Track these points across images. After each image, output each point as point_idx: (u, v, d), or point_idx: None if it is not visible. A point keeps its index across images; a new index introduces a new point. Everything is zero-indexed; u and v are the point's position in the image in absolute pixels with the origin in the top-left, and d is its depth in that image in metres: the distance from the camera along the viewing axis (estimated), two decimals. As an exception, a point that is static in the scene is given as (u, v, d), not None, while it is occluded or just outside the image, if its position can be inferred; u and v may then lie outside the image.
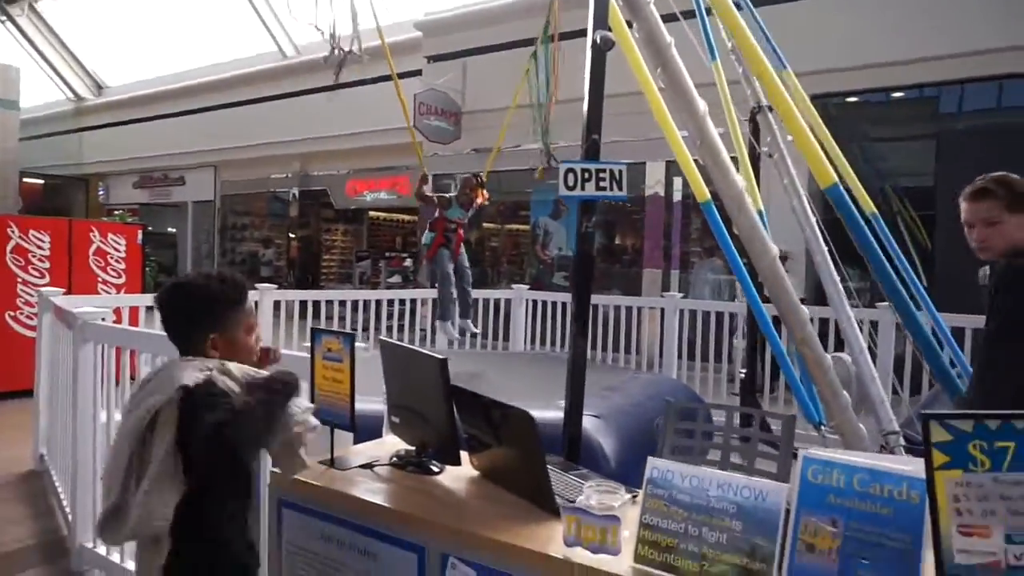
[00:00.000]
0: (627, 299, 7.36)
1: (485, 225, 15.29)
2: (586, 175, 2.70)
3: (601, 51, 2.74)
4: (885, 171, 9.89)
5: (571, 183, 2.70)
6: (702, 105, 2.75)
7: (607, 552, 1.46)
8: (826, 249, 4.36)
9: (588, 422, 3.71)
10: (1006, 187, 2.17)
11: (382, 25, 7.08)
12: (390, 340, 2.27)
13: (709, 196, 3.32)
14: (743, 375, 5.34)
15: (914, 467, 1.23)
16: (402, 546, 1.74)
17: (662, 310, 6.44)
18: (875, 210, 4.37)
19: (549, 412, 3.11)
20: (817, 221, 4.50)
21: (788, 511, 1.33)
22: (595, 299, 7.21)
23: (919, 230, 9.22)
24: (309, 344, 2.12)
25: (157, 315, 2.02)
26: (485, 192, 5.53)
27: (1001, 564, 1.13)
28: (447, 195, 5.42)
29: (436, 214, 5.33)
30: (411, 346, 2.20)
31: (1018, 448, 1.11)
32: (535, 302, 7.31)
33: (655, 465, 1.50)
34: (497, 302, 7.48)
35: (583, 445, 3.10)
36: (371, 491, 1.89)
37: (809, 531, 1.30)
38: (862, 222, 2.63)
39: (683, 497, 1.44)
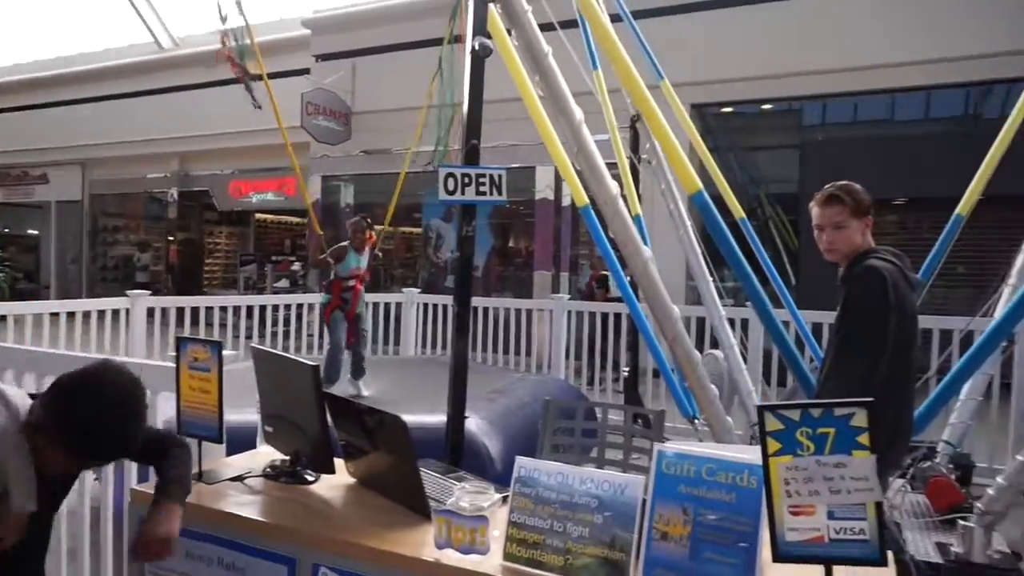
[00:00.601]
0: (516, 301, 7.46)
1: (378, 227, 15.08)
2: (466, 179, 2.73)
3: (480, 58, 2.78)
4: (759, 178, 10.54)
5: (451, 187, 2.72)
6: (578, 113, 2.84)
7: (477, 552, 1.49)
8: (700, 251, 4.62)
9: (474, 425, 3.75)
10: (851, 195, 2.38)
11: (269, 21, 6.85)
12: (262, 347, 2.21)
13: (588, 200, 3.43)
14: (627, 373, 5.55)
15: (753, 455, 1.33)
16: (272, 558, 1.70)
17: (550, 312, 6.59)
18: (743, 215, 4.66)
19: (435, 416, 3.12)
20: (692, 225, 4.77)
21: (646, 502, 1.41)
22: (485, 302, 7.30)
23: (788, 233, 9.90)
24: (174, 354, 2.02)
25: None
26: (372, 233, 5.40)
27: (824, 538, 1.25)
28: (342, 244, 5.21)
29: (332, 275, 5.13)
30: (283, 353, 2.15)
31: (838, 433, 1.23)
32: (426, 305, 7.29)
33: (522, 464, 1.54)
34: (388, 306, 7.40)
35: (469, 448, 3.13)
36: (240, 504, 1.84)
37: (663, 520, 1.37)
38: (724, 228, 2.81)
39: (549, 494, 1.49)
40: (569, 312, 6.59)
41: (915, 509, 3.64)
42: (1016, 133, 4.30)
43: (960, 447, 4.03)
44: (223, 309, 6.86)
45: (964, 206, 4.27)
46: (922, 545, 3.25)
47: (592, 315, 6.56)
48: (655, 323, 3.07)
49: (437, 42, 7.35)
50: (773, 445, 1.26)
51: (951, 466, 3.87)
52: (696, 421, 4.04)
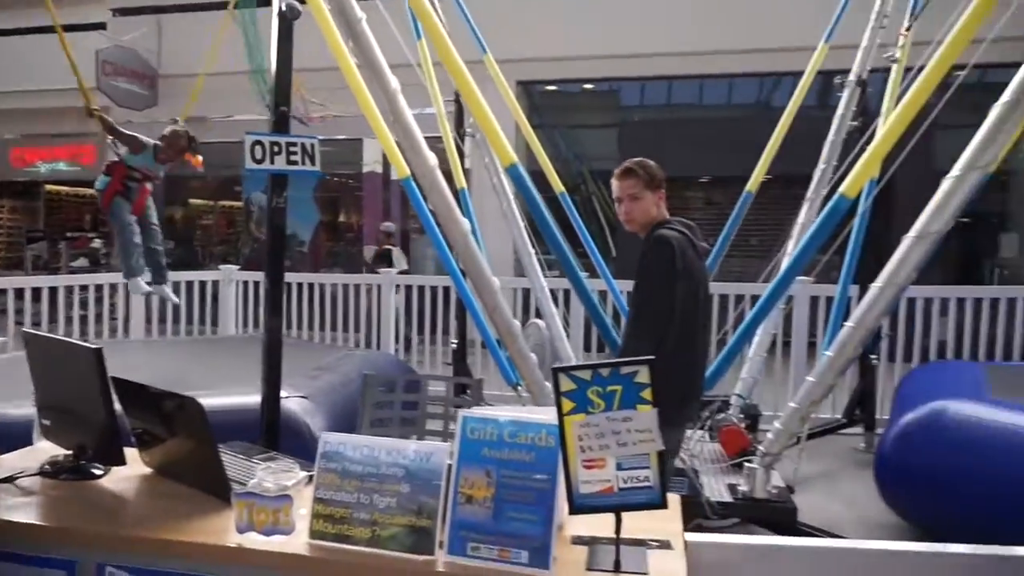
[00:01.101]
0: (343, 277, 7.26)
1: (194, 202, 13.98)
2: (275, 148, 2.59)
3: (288, 20, 2.63)
4: (582, 155, 11.00)
5: (258, 156, 2.57)
6: (394, 82, 2.79)
7: (281, 532, 1.44)
8: (522, 224, 4.76)
9: (295, 404, 3.61)
10: (644, 169, 2.57)
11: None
12: (36, 332, 1.97)
13: (409, 172, 3.40)
14: (455, 345, 5.62)
15: (551, 416, 1.39)
16: (48, 564, 1.53)
17: (378, 287, 6.49)
18: (563, 189, 4.85)
19: (253, 398, 2.97)
20: (515, 198, 4.89)
21: (451, 467, 1.43)
22: (310, 277, 7.05)
23: (609, 208, 10.46)
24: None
25: None
26: (199, 158, 4.68)
27: (614, 488, 1.34)
28: (146, 141, 4.44)
29: (116, 157, 4.39)
30: (60, 337, 1.94)
31: (624, 390, 1.31)
32: (247, 283, 6.89)
33: (327, 440, 1.51)
34: (203, 284, 6.91)
35: (289, 428, 3.01)
36: (9, 508, 1.64)
37: (468, 483, 1.40)
38: (538, 200, 2.91)
39: (355, 468, 1.47)
40: (397, 286, 6.53)
41: (711, 456, 4.03)
42: (794, 120, 4.84)
43: (749, 398, 4.52)
44: (1, 292, 6.06)
45: (752, 184, 4.74)
46: (716, 487, 3.61)
47: (421, 288, 6.55)
48: (476, 295, 3.12)
49: (247, 3, 6.88)
50: (567, 404, 1.33)
51: (742, 416, 4.33)
52: (519, 388, 4.19)
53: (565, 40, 9.63)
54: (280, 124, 2.61)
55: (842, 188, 2.75)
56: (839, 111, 4.56)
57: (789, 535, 3.24)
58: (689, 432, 4.01)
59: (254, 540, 1.44)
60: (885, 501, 3.96)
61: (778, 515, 3.40)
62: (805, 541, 1.51)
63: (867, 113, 4.60)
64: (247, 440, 2.22)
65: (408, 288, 6.70)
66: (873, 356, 5.29)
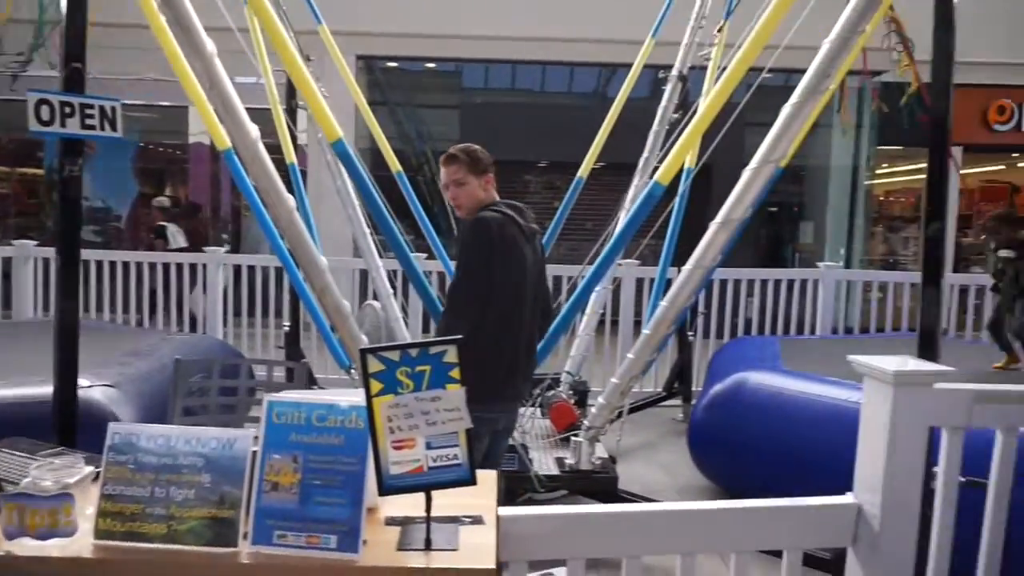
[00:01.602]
0: (164, 255, 6.71)
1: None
2: (67, 110, 2.33)
3: (80, -33, 2.36)
4: (425, 134, 10.90)
5: (46, 117, 2.30)
6: (210, 46, 2.59)
7: (60, 535, 1.31)
8: (357, 203, 4.64)
9: (99, 393, 3.31)
10: (468, 154, 2.60)
11: None
12: None
13: (230, 144, 3.19)
14: (287, 328, 5.40)
15: (363, 398, 1.36)
16: None
17: (204, 266, 6.07)
18: (400, 169, 4.79)
19: (47, 388, 2.67)
20: (352, 175, 4.74)
21: (256, 454, 1.37)
22: (126, 256, 6.46)
23: (450, 189, 10.46)
24: None
25: None
26: None
27: (424, 468, 1.35)
28: None
29: None
30: None
31: (433, 370, 1.32)
32: (47, 260, 6.18)
33: (116, 431, 1.39)
34: (-5, 262, 6.12)
35: (92, 421, 2.75)
36: None
37: (274, 470, 1.35)
38: (366, 178, 2.84)
39: (150, 459, 1.37)
40: (225, 266, 6.15)
41: (542, 432, 4.19)
42: (629, 110, 5.08)
43: (578, 375, 4.73)
44: None
45: (584, 170, 4.94)
46: (545, 461, 3.76)
47: (252, 268, 6.21)
48: (304, 274, 3.00)
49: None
50: (376, 386, 1.31)
51: (571, 392, 4.53)
52: (352, 371, 4.11)
53: (407, 16, 9.44)
54: (73, 82, 2.34)
55: (656, 176, 2.94)
56: (662, 103, 4.85)
57: (611, 503, 3.45)
58: (521, 409, 4.15)
59: (26, 546, 1.30)
60: (697, 466, 4.33)
61: (601, 485, 3.60)
62: (608, 508, 1.60)
63: (687, 106, 4.93)
64: (41, 436, 1.99)
65: (237, 268, 6.33)
66: (690, 333, 5.73)
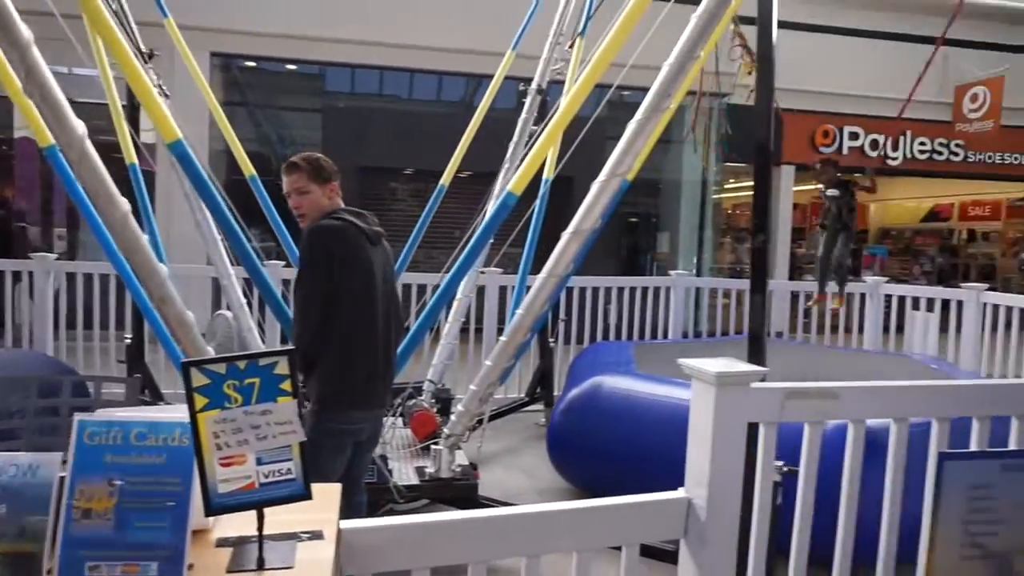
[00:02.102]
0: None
1: None
2: None
3: None
4: (287, 138, 10.52)
5: None
6: (26, 32, 2.36)
7: None
8: (206, 208, 4.38)
9: None
10: (309, 162, 2.57)
11: None
12: None
13: (54, 140, 2.93)
14: (128, 341, 5.01)
15: (186, 414, 1.29)
16: None
17: (30, 274, 5.51)
18: (253, 172, 4.58)
19: None
20: (193, 177, 4.48)
21: (64, 479, 1.26)
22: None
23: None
24: None
25: None
26: None
27: (255, 484, 1.29)
28: None
29: None
30: None
31: (263, 383, 1.27)
32: None
33: None
34: None
35: None
36: None
37: (85, 496, 1.24)
38: (207, 181, 2.70)
39: (-68, 491, 1.22)
40: (56, 273, 5.61)
41: (404, 442, 4.15)
42: (496, 121, 5.16)
43: (441, 383, 4.72)
44: None
45: (446, 178, 4.96)
46: (406, 471, 3.72)
47: (88, 277, 5.71)
48: (142, 284, 2.80)
49: None
50: (200, 400, 1.24)
51: (434, 400, 4.51)
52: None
53: (267, 15, 9.11)
54: None
55: (509, 185, 3.00)
56: (523, 115, 4.97)
57: (472, 509, 3.46)
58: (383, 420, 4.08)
59: None
60: (556, 469, 4.44)
61: (461, 492, 3.61)
62: (449, 515, 1.61)
63: (546, 119, 5.08)
64: None
65: (71, 276, 5.80)
66: (552, 339, 5.89)
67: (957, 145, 12.05)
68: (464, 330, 6.35)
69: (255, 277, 3.04)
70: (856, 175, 5.49)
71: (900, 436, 1.92)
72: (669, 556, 2.94)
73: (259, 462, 1.29)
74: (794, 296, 7.10)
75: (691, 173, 11.08)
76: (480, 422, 3.93)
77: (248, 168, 4.51)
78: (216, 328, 4.39)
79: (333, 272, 2.38)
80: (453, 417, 3.59)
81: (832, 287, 5.96)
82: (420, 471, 3.69)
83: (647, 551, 2.48)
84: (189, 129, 5.76)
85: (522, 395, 5.96)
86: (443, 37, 9.74)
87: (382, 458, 3.54)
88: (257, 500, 1.30)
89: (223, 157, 8.07)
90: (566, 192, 5.81)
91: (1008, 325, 5.65)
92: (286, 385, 1.28)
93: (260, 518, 1.32)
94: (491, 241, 4.68)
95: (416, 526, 1.56)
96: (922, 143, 12.01)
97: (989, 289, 6.13)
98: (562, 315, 6.04)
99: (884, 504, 1.95)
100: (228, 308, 4.53)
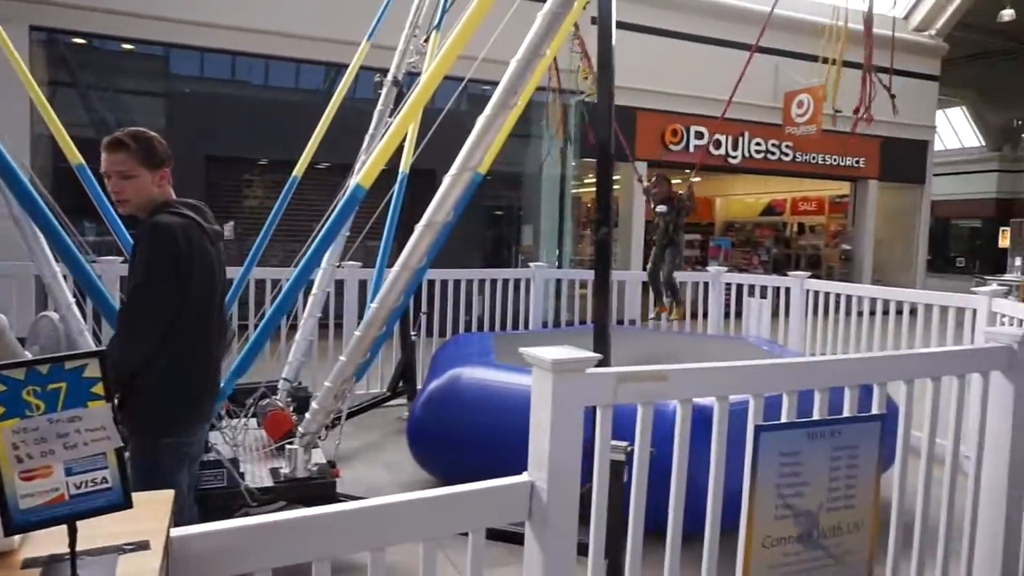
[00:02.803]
0: None
1: None
2: None
3: None
4: (127, 122, 9.72)
5: None
6: None
7: None
8: (9, 197, 3.98)
9: None
10: (140, 142, 2.29)
11: None
12: None
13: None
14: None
15: None
16: None
17: None
18: (82, 161, 4.21)
19: None
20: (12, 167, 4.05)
21: None
22: None
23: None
24: None
25: None
26: None
27: (65, 496, 1.21)
28: None
29: None
30: None
31: (70, 387, 1.19)
32: None
33: None
34: None
35: None
36: None
37: None
38: (16, 171, 2.44)
39: None
40: None
41: (258, 443, 3.99)
42: (354, 112, 5.04)
43: (297, 381, 4.58)
44: None
45: (299, 169, 4.80)
46: (259, 474, 3.58)
47: None
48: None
49: None
50: (-5, 410, 1.14)
51: (290, 399, 4.37)
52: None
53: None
54: None
55: (357, 178, 2.96)
56: (378, 107, 4.90)
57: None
58: (234, 421, 3.91)
59: None
60: (418, 462, 4.45)
61: (319, 491, 3.53)
62: (288, 514, 1.57)
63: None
64: None
65: None
66: (413, 333, 5.87)
67: (787, 146, 13.21)
68: (323, 325, 6.22)
69: (79, 275, 2.80)
70: (680, 193, 5.76)
71: (722, 412, 2.09)
72: (519, 538, 3.05)
73: (69, 472, 1.20)
74: (645, 286, 7.50)
75: (551, 167, 11.40)
76: (338, 418, 3.85)
77: (74, 155, 4.13)
78: (39, 331, 4.00)
79: (178, 279, 2.19)
80: (308, 415, 3.50)
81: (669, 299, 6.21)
82: (275, 472, 3.57)
83: (500, 535, 2.55)
84: (4, 111, 5.28)
85: (384, 390, 5.91)
86: (301, 24, 9.40)
87: (232, 461, 3.39)
88: (67, 514, 1.22)
89: (49, 142, 7.35)
90: (429, 185, 5.79)
91: (826, 309, 6.28)
92: (98, 389, 1.20)
93: (72, 532, 1.23)
94: (347, 234, 4.62)
95: (250, 528, 1.51)
96: (758, 143, 13.06)
97: (811, 277, 6.77)
98: (423, 308, 6.04)
99: (710, 475, 2.12)
100: (56, 309, 4.15)
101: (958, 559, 2.76)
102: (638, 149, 12.02)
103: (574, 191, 11.93)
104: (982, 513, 2.73)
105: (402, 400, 5.91)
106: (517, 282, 6.90)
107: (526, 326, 6.90)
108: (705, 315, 7.43)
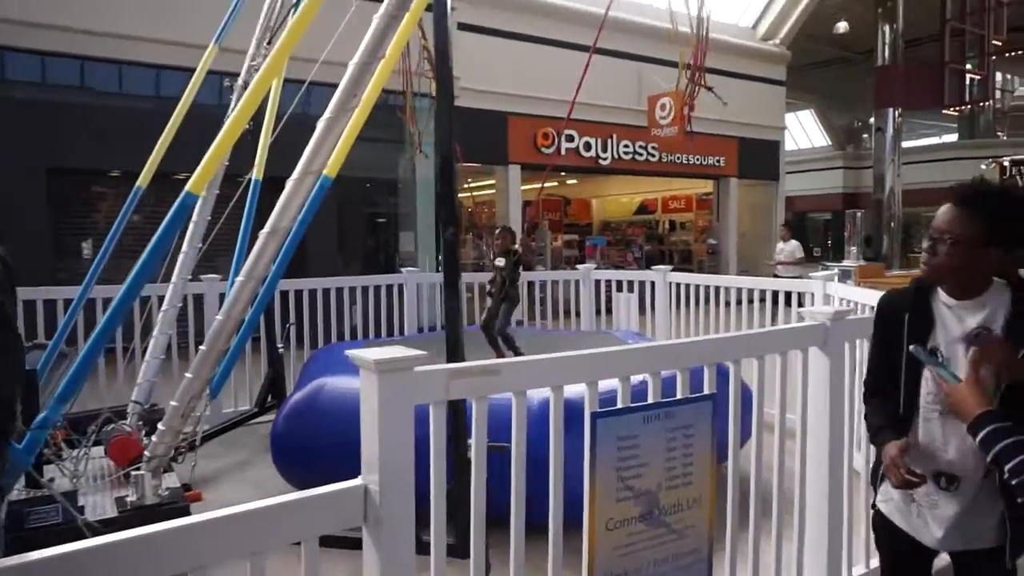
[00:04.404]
0: None
1: None
2: None
3: None
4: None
5: None
6: None
7: None
8: None
9: None
10: None
11: None
12: None
13: None
14: None
15: None
16: None
17: None
18: None
19: None
20: None
21: None
22: None
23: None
24: None
25: None
26: None
27: None
28: None
29: None
30: None
31: None
32: None
33: None
34: None
35: None
36: None
37: None
38: None
39: None
40: None
41: (104, 472, 3.73)
42: (201, 119, 4.79)
43: (149, 403, 4.32)
44: None
45: (143, 179, 4.53)
46: (101, 504, 3.35)
47: None
48: None
49: None
50: None
51: (141, 423, 4.11)
52: None
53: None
54: None
55: (188, 185, 2.83)
56: (229, 112, 4.70)
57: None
58: (75, 452, 3.63)
59: None
60: (283, 477, 4.30)
61: (169, 517, 3.32)
62: (94, 541, 1.47)
63: (257, 116, 4.86)
64: None
65: None
66: (280, 345, 5.68)
67: (653, 147, 13.84)
68: (183, 345, 5.90)
69: None
70: (516, 248, 5.41)
71: (557, 402, 2.16)
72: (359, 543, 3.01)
73: None
74: (530, 285, 7.61)
75: (424, 172, 11.39)
76: (195, 439, 3.67)
77: None
78: None
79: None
80: (154, 437, 3.31)
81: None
82: (120, 501, 3.34)
83: (339, 541, 2.50)
84: None
85: (252, 406, 5.68)
86: (154, 27, 8.90)
87: (69, 494, 3.15)
88: None
89: None
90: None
91: (687, 300, 6.63)
92: None
93: None
94: (200, 246, 4.41)
95: (52, 559, 1.41)
96: (626, 145, 13.61)
97: (683, 270, 7.11)
98: (291, 319, 5.86)
99: (551, 465, 2.18)
100: None
101: (791, 521, 2.98)
102: (512, 153, 12.22)
103: (451, 196, 11.96)
104: (809, 475, 2.96)
105: (272, 416, 5.70)
106: (390, 288, 6.83)
107: (401, 332, 6.84)
108: (578, 313, 7.64)
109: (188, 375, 3.11)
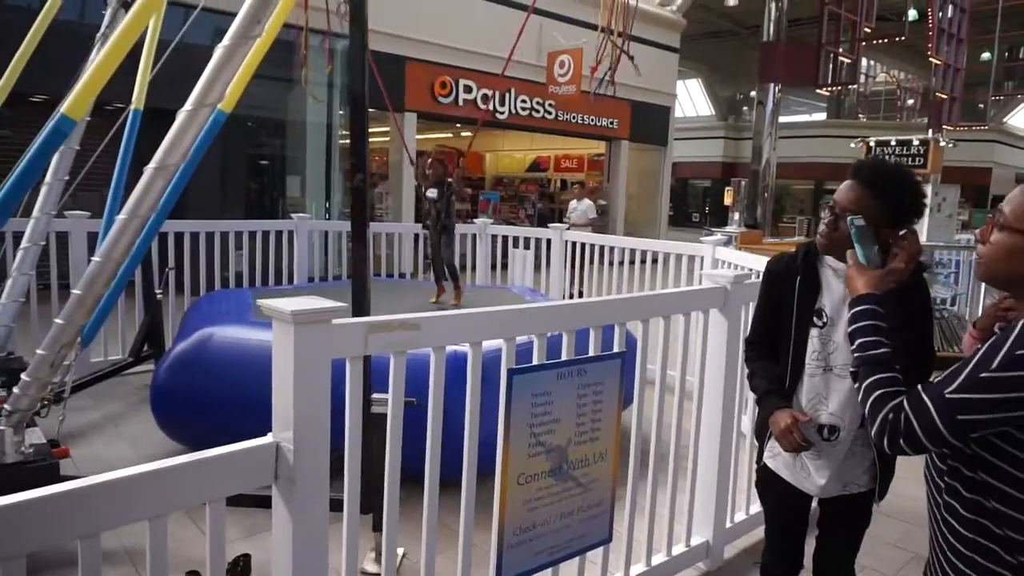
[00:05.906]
0: None
1: None
2: None
3: None
4: None
5: None
6: None
7: None
8: None
9: None
10: None
11: None
12: None
13: None
14: None
15: None
16: None
17: None
18: None
19: None
20: None
21: None
22: None
23: None
24: None
25: None
26: None
27: None
28: None
29: None
30: None
31: None
32: None
33: None
34: None
35: None
36: None
37: None
38: None
39: None
40: None
41: (-46, 428, 3.34)
42: (77, 38, 4.26)
43: (8, 351, 3.91)
44: None
45: (-3, 98, 3.99)
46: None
47: None
48: None
49: None
50: None
51: (-3, 373, 3.71)
52: None
53: None
54: None
55: (63, 107, 2.51)
56: (101, 31, 4.21)
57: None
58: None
59: None
60: (165, 432, 4.04)
61: (36, 476, 3.05)
62: None
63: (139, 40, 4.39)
64: None
65: None
66: (159, 291, 5.29)
67: (550, 105, 13.85)
68: (46, 286, 5.37)
69: None
70: (450, 180, 5.46)
71: (475, 357, 2.12)
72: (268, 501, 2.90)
73: None
74: (417, 237, 7.47)
75: (315, 115, 10.83)
76: (62, 391, 3.35)
77: None
78: None
79: None
80: (17, 389, 2.99)
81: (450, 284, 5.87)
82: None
83: (240, 499, 2.38)
84: None
85: (127, 355, 5.27)
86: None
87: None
88: None
89: None
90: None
91: (583, 259, 6.75)
92: None
93: None
94: (65, 178, 3.97)
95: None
96: (523, 100, 13.53)
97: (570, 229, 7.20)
98: (170, 264, 5.45)
99: (466, 421, 2.15)
100: None
101: (685, 473, 3.14)
102: (408, 100, 11.84)
103: (343, 141, 11.47)
104: (703, 430, 3.12)
105: (148, 366, 5.32)
106: (279, 234, 6.49)
107: (290, 281, 6.55)
108: (474, 267, 7.60)
109: (59, 321, 2.81)
